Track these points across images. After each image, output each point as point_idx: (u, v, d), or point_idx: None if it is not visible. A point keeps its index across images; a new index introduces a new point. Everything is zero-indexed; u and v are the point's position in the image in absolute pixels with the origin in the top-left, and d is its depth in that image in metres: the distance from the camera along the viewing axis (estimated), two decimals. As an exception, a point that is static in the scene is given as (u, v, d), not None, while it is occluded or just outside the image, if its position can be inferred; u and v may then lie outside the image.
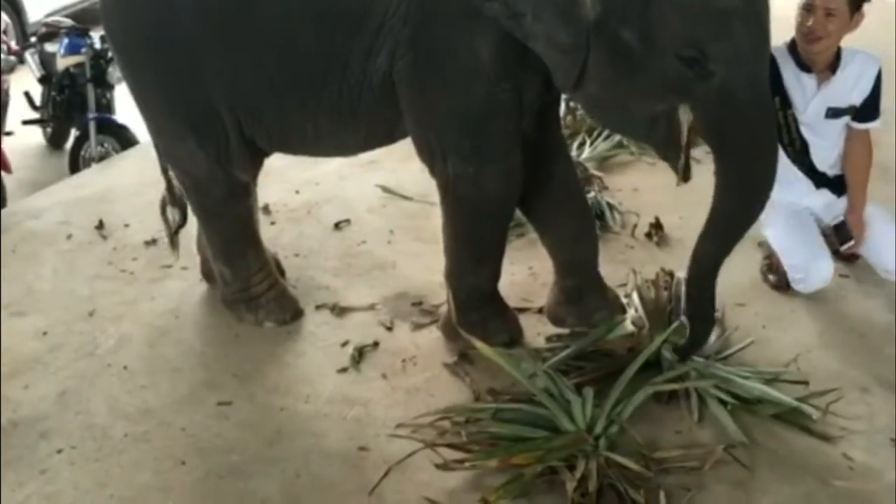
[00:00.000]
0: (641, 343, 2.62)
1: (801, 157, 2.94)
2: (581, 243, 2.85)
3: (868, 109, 2.88)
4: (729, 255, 2.43)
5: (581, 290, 2.85)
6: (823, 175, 3.00)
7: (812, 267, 2.92)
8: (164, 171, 3.00)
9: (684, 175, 2.34)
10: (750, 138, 2.25)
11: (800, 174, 2.96)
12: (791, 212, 3.00)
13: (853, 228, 2.96)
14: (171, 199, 3.05)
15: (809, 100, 2.86)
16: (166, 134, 2.83)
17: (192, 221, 3.08)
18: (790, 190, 2.92)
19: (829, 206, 3.04)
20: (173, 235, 3.11)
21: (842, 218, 2.98)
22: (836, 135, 2.94)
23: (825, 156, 2.99)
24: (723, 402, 2.49)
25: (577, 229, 2.83)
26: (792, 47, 2.83)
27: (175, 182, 3.01)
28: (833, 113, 2.86)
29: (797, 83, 2.84)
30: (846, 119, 2.91)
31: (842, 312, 2.99)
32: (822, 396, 2.52)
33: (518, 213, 2.88)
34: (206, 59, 2.58)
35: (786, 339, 2.86)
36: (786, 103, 2.84)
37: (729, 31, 2.13)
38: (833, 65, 2.82)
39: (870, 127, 2.93)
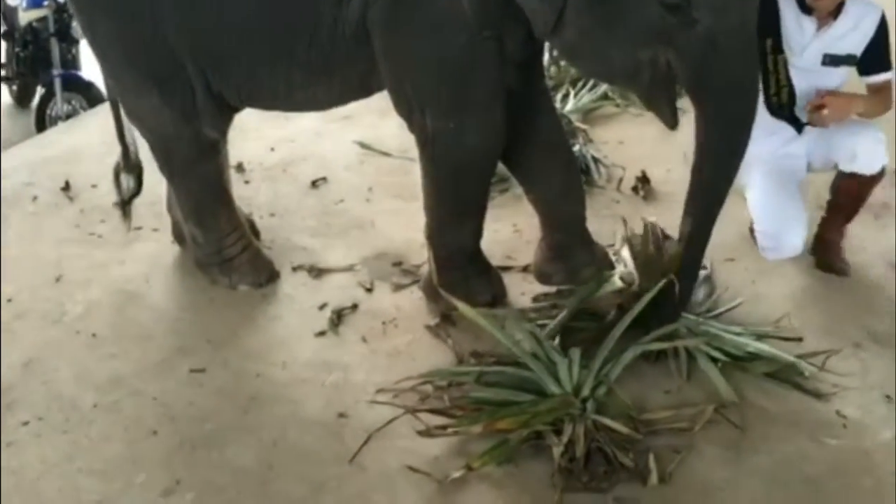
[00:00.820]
0: (630, 300, 2.53)
1: (787, 107, 2.78)
2: (567, 198, 2.77)
3: (873, 59, 2.70)
4: (720, 209, 2.34)
5: (569, 246, 2.78)
6: (795, 119, 2.83)
7: (783, 237, 2.80)
8: (120, 134, 2.88)
9: (672, 122, 2.28)
10: (732, 88, 2.20)
11: (781, 123, 2.82)
12: (770, 171, 2.84)
13: (834, 103, 2.69)
14: (126, 164, 2.94)
15: (807, 44, 2.71)
16: (127, 89, 2.69)
17: (161, 180, 2.96)
18: (770, 140, 2.81)
19: (814, 142, 2.83)
20: (126, 204, 3.01)
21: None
22: (831, 83, 2.76)
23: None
24: (713, 360, 2.43)
25: (563, 183, 2.75)
26: None
27: (131, 146, 2.90)
28: (831, 60, 2.71)
29: (796, 25, 2.70)
30: (844, 72, 2.74)
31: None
32: (816, 356, 2.45)
33: (501, 168, 2.80)
34: (169, 8, 2.44)
35: (776, 293, 2.81)
36: (777, 47, 2.70)
37: None
38: (836, 11, 2.69)
39: (882, 79, 2.72)
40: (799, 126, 2.82)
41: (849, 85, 2.78)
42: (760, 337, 2.50)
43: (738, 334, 2.50)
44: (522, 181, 2.82)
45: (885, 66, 2.73)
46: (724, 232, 2.80)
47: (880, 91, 2.73)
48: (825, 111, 2.67)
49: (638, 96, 2.44)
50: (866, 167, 2.74)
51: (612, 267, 2.76)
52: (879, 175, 2.77)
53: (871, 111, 2.73)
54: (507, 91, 2.47)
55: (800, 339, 2.52)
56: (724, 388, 2.35)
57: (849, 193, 2.84)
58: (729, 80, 2.19)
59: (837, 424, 2.29)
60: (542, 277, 2.84)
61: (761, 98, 2.53)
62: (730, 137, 2.26)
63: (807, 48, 2.72)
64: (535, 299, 2.76)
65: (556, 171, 2.73)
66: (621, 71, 2.27)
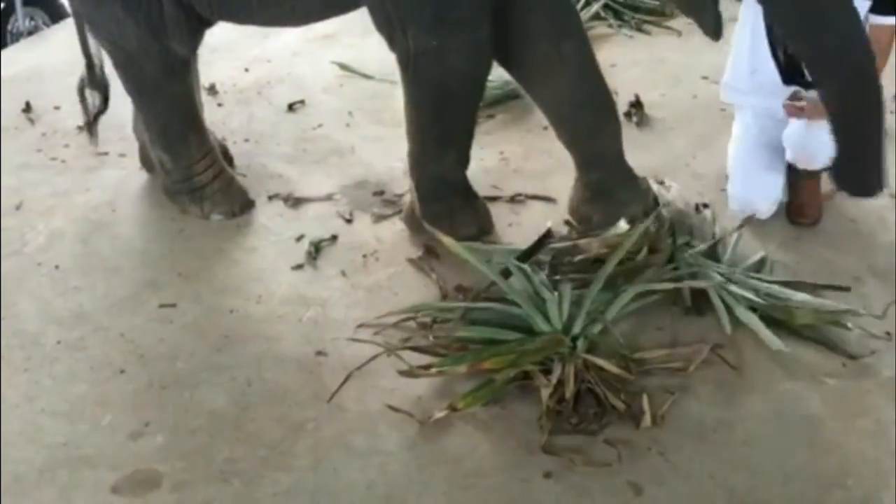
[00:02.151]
0: (660, 243, 2.39)
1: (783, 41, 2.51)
2: (603, 132, 2.59)
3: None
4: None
5: (609, 184, 2.62)
6: (799, 69, 2.53)
7: (752, 203, 2.65)
8: (85, 48, 2.69)
9: (715, 31, 2.14)
10: None
11: (771, 65, 2.61)
12: (749, 126, 2.71)
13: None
14: (91, 80, 2.77)
15: None
16: (90, 0, 2.48)
17: (128, 101, 2.79)
18: (756, 93, 2.65)
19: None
20: (92, 123, 2.86)
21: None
22: None
23: None
24: (753, 309, 2.28)
25: (598, 117, 2.58)
26: None
27: (97, 61, 2.72)
28: None
29: None
30: (865, 4, 2.42)
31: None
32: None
33: (488, 93, 2.66)
34: None
35: (773, 224, 2.68)
36: None
37: None
38: None
39: (886, 23, 2.44)
40: (788, 74, 2.58)
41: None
42: (799, 286, 2.36)
43: (780, 283, 2.37)
44: (551, 116, 2.62)
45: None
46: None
47: (879, 34, 2.42)
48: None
49: (678, 5, 2.33)
50: (802, 163, 2.61)
51: (657, 204, 2.63)
52: (823, 170, 2.58)
53: None
54: (494, 7, 2.31)
55: (847, 289, 2.37)
56: (770, 338, 2.21)
57: (798, 172, 2.67)
58: None
59: (836, 363, 2.21)
60: (581, 218, 2.67)
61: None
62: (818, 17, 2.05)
63: None
64: (546, 235, 2.54)
65: (589, 105, 2.55)
66: None
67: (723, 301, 2.31)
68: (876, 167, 2.24)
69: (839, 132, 2.18)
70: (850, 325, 2.27)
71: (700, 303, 2.34)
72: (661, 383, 2.13)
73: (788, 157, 2.64)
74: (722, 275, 2.37)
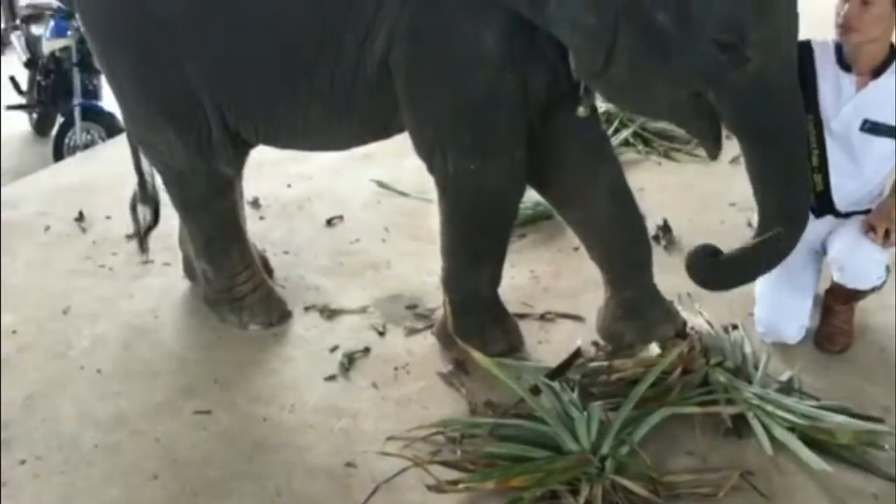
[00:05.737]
0: (694, 363, 2.42)
1: (812, 177, 2.46)
2: (635, 252, 2.66)
3: None
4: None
5: (640, 303, 2.65)
6: (829, 203, 2.55)
7: (779, 329, 2.67)
8: (137, 166, 2.84)
9: (714, 152, 2.29)
10: (783, 125, 2.19)
11: None
12: None
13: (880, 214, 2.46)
14: (143, 195, 2.90)
15: (843, 104, 2.47)
16: (143, 123, 2.66)
17: (174, 213, 2.90)
18: None
19: (831, 226, 2.59)
20: (143, 236, 2.98)
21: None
22: (872, 159, 2.48)
23: (850, 186, 2.53)
24: (791, 430, 2.28)
25: (629, 237, 2.64)
26: (839, 43, 2.48)
27: (148, 178, 2.87)
28: (871, 127, 2.44)
29: (834, 83, 2.47)
30: (888, 147, 2.45)
31: (862, 324, 2.80)
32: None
33: (520, 212, 2.72)
34: (185, 42, 2.41)
35: (801, 350, 2.69)
36: (809, 105, 2.38)
37: (770, 15, 2.06)
38: (879, 69, 2.44)
39: None
40: (822, 206, 2.55)
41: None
42: (835, 410, 2.36)
43: (815, 405, 2.37)
44: (584, 236, 2.70)
45: None
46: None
47: None
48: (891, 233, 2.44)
49: (683, 128, 2.47)
50: (851, 282, 2.58)
51: (685, 325, 2.67)
52: (871, 290, 2.60)
53: None
54: (530, 132, 2.42)
55: (881, 420, 2.34)
56: (812, 459, 2.20)
57: (838, 297, 2.67)
58: (779, 118, 2.18)
59: (868, 494, 2.17)
60: (612, 337, 2.69)
61: None
62: (787, 171, 2.23)
63: (842, 108, 2.47)
64: (576, 354, 2.56)
65: (622, 226, 2.62)
66: (669, 107, 2.27)
67: (760, 422, 2.30)
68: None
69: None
70: (887, 446, 2.25)
71: (737, 424, 2.33)
72: (689, 508, 2.12)
73: (836, 277, 2.60)
74: (756, 395, 2.37)
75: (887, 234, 2.45)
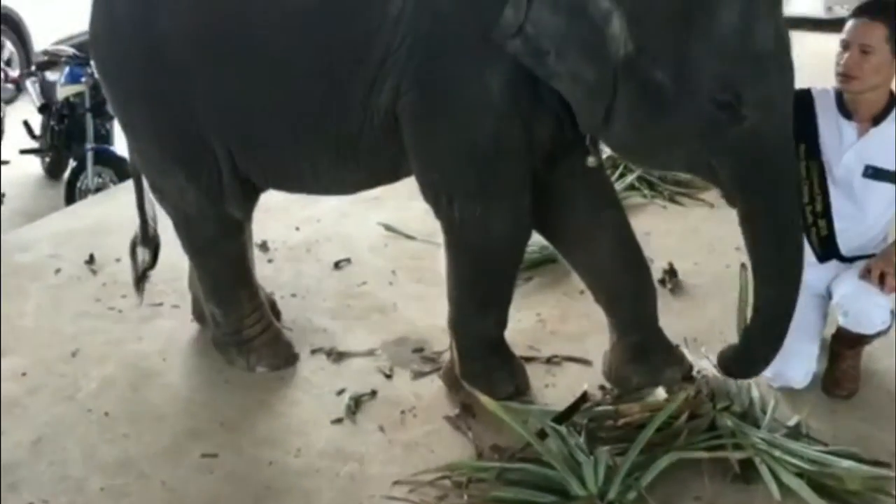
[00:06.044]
0: (701, 408, 2.42)
1: (816, 222, 2.53)
2: (641, 297, 2.67)
3: None
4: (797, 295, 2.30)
5: (646, 347, 2.66)
6: (834, 247, 2.57)
7: (785, 373, 2.66)
8: (141, 207, 2.89)
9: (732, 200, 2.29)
10: (779, 184, 2.21)
11: (805, 242, 2.44)
12: None
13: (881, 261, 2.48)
14: (143, 238, 2.94)
15: (845, 150, 2.49)
16: (154, 167, 2.71)
17: (184, 255, 2.93)
18: None
19: (837, 279, 2.60)
20: (140, 278, 3.00)
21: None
22: (874, 205, 2.51)
23: (853, 231, 2.55)
24: (799, 476, 2.26)
25: (635, 282, 2.66)
26: (839, 90, 2.51)
27: (150, 220, 2.90)
28: (873, 173, 2.47)
29: (835, 130, 2.50)
30: (889, 192, 2.48)
31: (869, 369, 2.80)
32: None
33: (526, 256, 2.74)
34: (197, 90, 2.46)
35: (807, 395, 2.68)
36: (811, 153, 2.47)
37: (765, 75, 2.09)
38: (879, 116, 2.48)
39: None
40: (825, 251, 2.58)
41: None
42: (843, 456, 2.34)
43: (823, 450, 2.37)
44: (590, 281, 2.72)
45: None
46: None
47: None
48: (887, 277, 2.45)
49: (699, 177, 2.56)
50: (856, 327, 2.58)
51: (691, 368, 2.67)
52: (876, 335, 2.60)
53: None
54: (535, 178, 2.45)
55: (888, 465, 2.33)
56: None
57: (844, 342, 2.67)
58: (775, 176, 2.20)
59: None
60: (619, 381, 2.69)
61: None
62: (782, 232, 2.25)
63: (844, 155, 2.50)
64: (583, 398, 2.56)
65: (627, 270, 2.64)
66: (668, 162, 2.39)
67: (768, 468, 2.29)
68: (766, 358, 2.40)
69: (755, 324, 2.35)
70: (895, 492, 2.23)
71: (745, 469, 2.32)
72: (696, 555, 2.10)
73: (842, 322, 2.61)
74: (764, 440, 2.37)
75: (883, 278, 2.46)
